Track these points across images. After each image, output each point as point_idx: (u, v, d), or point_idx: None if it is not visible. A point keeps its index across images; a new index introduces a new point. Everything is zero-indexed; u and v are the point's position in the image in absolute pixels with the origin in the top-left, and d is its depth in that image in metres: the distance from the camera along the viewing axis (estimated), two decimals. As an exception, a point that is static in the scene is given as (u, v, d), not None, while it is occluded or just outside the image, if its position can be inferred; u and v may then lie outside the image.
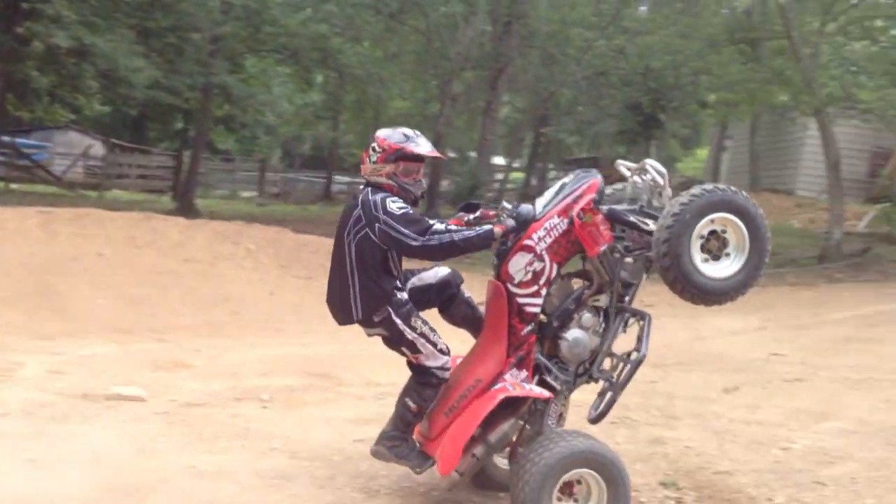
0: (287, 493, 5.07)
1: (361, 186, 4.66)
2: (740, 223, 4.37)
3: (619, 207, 4.62)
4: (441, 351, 4.66)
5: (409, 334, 4.58)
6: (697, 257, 4.32)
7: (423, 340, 4.59)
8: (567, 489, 4.34)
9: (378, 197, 4.45)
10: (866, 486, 5.75)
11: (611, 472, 4.34)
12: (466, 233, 4.41)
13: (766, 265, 4.46)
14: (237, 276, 12.41)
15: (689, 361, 9.88)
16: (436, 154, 4.70)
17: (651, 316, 4.70)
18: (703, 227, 4.31)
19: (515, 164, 37.09)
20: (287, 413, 6.87)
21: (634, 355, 4.62)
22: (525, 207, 4.53)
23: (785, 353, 10.28)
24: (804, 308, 13.65)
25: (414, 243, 4.35)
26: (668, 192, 4.60)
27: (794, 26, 17.42)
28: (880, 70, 17.45)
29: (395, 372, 8.30)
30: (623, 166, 4.95)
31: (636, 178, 4.82)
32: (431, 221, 4.46)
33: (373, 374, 8.26)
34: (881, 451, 6.58)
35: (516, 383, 4.49)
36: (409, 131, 4.65)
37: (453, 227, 4.51)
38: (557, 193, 4.65)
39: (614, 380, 4.73)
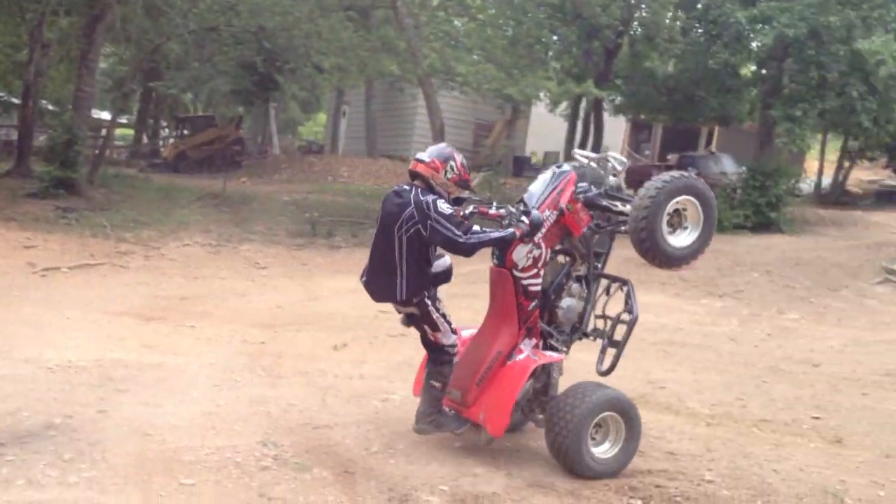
0: None
1: (406, 186, 5.29)
2: (698, 203, 5.32)
3: (591, 194, 5.53)
4: (453, 331, 5.45)
5: (435, 314, 5.35)
6: (665, 230, 5.23)
7: (442, 320, 5.38)
8: (594, 429, 5.26)
9: (430, 198, 5.13)
10: (456, 429, 6.07)
11: (629, 413, 5.33)
12: (496, 234, 5.18)
13: (713, 236, 5.46)
14: None
15: (302, 321, 9.90)
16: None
17: (632, 281, 5.68)
18: (671, 206, 5.22)
19: (123, 120, 34.77)
20: None
21: (627, 316, 5.56)
22: (535, 214, 5.24)
23: (391, 311, 10.61)
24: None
25: (460, 240, 5.06)
26: (622, 178, 5.75)
27: (399, -3, 18.04)
28: (476, 46, 18.74)
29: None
30: (581, 155, 5.94)
31: (593, 164, 5.79)
32: (468, 223, 5.23)
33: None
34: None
35: (539, 353, 5.43)
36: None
37: (487, 229, 5.18)
38: (543, 190, 5.41)
39: (612, 338, 5.67)
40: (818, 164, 27.89)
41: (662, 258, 5.27)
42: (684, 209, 5.32)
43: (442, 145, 5.48)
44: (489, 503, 4.72)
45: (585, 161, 5.83)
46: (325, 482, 4.92)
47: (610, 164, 5.72)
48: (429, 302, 5.32)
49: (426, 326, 5.39)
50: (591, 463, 5.18)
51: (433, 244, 5.23)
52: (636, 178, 26.91)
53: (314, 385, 7.06)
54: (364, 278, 5.49)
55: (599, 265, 5.72)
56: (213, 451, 5.22)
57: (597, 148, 26.18)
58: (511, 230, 5.19)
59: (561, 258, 5.67)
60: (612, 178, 5.70)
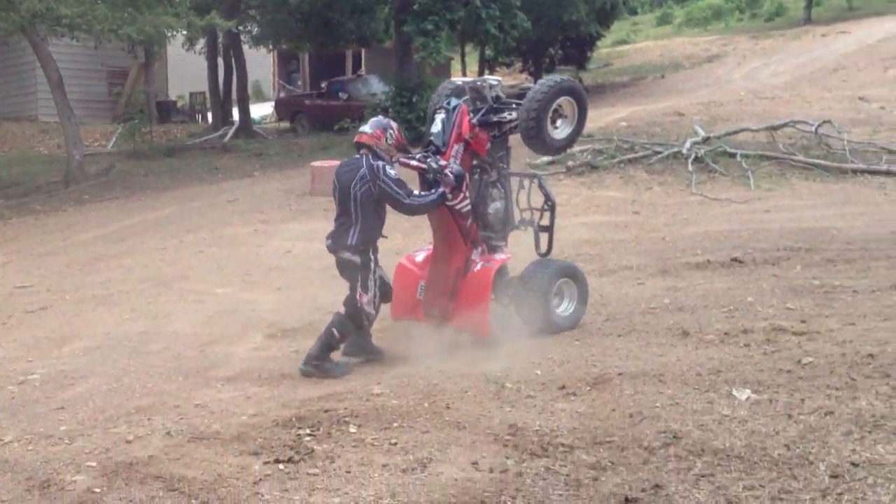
0: None
1: (356, 155, 6.05)
2: (574, 102, 6.39)
3: (483, 116, 6.42)
4: (374, 305, 6.06)
5: (370, 274, 5.99)
6: (549, 126, 6.24)
7: (372, 284, 6.00)
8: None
9: (380, 163, 5.91)
10: (105, 399, 5.55)
11: (578, 277, 6.73)
12: (432, 196, 6.03)
13: (583, 128, 6.63)
14: None
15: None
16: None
17: (540, 175, 6.98)
18: (554, 105, 6.23)
19: None
20: None
21: (548, 204, 6.62)
22: (456, 168, 6.10)
23: (31, 284, 9.64)
24: (51, 234, 13.01)
25: (405, 200, 5.91)
26: (500, 90, 6.68)
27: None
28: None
29: None
30: (459, 80, 6.92)
31: (472, 84, 6.68)
32: (410, 188, 5.98)
33: None
34: (125, 360, 6.50)
35: (490, 258, 6.46)
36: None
37: (423, 192, 6.07)
38: (444, 128, 6.22)
39: (538, 224, 6.72)
40: (461, 74, 29.22)
41: (547, 148, 6.50)
42: (562, 107, 6.34)
43: (380, 117, 6.38)
44: (145, 468, 4.27)
45: (460, 82, 6.79)
46: (-52, 487, 4.23)
47: (486, 84, 6.65)
48: (372, 257, 5.98)
49: (358, 282, 5.95)
50: (559, 320, 6.51)
51: (381, 201, 5.92)
52: (290, 108, 26.95)
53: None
54: (328, 240, 6.10)
55: (505, 165, 6.66)
56: None
57: (243, 82, 25.45)
58: (442, 190, 6.03)
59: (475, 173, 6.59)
60: (491, 93, 6.58)
